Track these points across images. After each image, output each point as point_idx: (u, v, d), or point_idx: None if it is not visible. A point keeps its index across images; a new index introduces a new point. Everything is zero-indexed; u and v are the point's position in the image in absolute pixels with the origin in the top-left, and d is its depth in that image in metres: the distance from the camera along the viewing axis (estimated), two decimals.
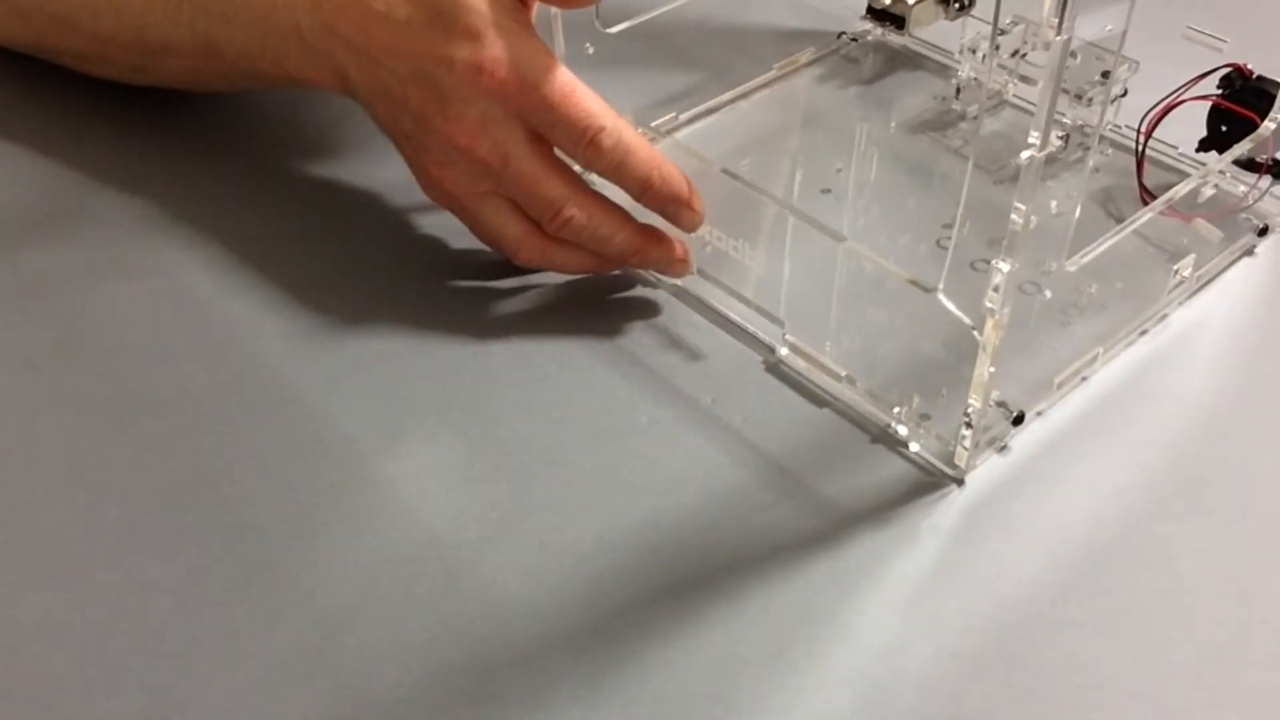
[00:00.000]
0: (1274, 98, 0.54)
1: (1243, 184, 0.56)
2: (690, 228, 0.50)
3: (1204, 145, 0.57)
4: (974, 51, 0.61)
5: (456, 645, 0.40)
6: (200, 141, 0.62)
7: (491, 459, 0.46)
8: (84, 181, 0.59)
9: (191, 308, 0.52)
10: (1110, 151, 0.60)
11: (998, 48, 0.58)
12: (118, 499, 0.44)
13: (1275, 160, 0.55)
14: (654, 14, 0.59)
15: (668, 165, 0.49)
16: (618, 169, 0.48)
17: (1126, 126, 0.59)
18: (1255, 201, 0.56)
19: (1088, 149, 0.59)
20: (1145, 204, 0.55)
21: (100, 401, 0.48)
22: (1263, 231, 0.56)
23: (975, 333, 0.41)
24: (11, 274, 0.54)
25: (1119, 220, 0.55)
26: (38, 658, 0.39)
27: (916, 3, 0.63)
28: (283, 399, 0.48)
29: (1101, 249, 0.47)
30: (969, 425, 0.43)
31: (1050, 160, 0.52)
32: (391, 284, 0.53)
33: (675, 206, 0.49)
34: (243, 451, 0.46)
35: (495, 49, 0.46)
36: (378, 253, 0.55)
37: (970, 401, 0.43)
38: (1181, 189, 0.51)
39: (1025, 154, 0.37)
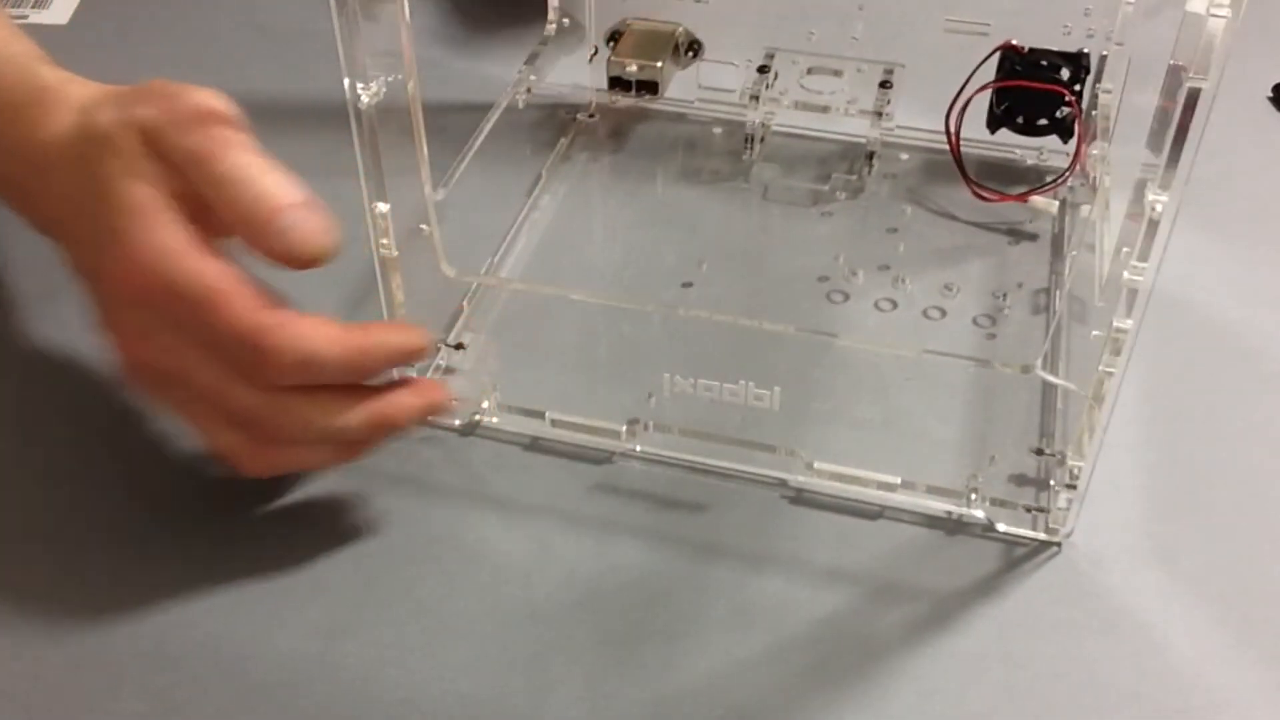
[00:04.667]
0: (1056, 66, 0.56)
1: (1050, 150, 0.58)
2: (427, 355, 0.43)
3: (993, 126, 0.58)
4: (755, 99, 0.58)
5: (456, 646, 0.40)
6: None
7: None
8: None
9: None
10: (906, 156, 0.60)
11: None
12: (118, 498, 0.44)
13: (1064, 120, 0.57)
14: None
15: (368, 337, 0.39)
16: (317, 381, 0.38)
17: (928, 130, 0.59)
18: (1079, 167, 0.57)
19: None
20: (980, 198, 0.56)
21: (101, 399, 0.47)
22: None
23: (1084, 396, 0.39)
24: (12, 270, 0.53)
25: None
26: (38, 658, 0.39)
27: (662, 65, 0.60)
28: None
29: None
30: (1071, 486, 0.41)
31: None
32: None
33: (404, 360, 0.42)
34: None
35: (138, 250, 0.36)
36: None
37: (1074, 464, 0.41)
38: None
39: (1156, 204, 0.34)
